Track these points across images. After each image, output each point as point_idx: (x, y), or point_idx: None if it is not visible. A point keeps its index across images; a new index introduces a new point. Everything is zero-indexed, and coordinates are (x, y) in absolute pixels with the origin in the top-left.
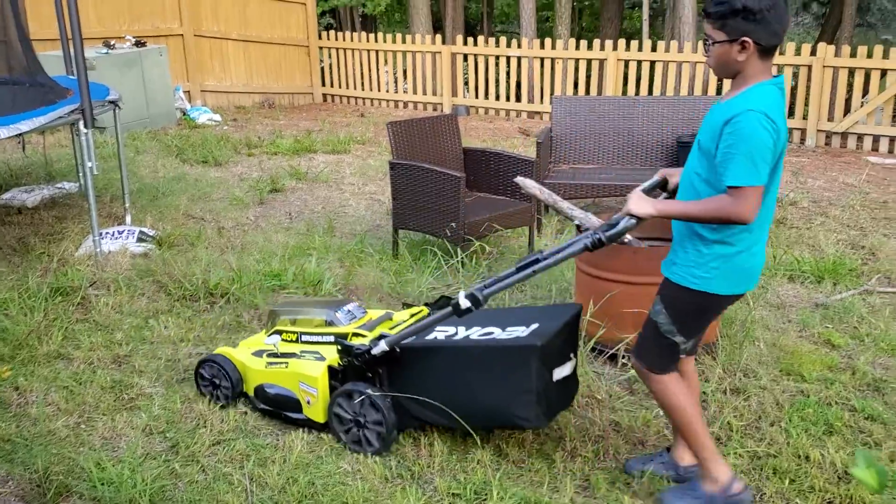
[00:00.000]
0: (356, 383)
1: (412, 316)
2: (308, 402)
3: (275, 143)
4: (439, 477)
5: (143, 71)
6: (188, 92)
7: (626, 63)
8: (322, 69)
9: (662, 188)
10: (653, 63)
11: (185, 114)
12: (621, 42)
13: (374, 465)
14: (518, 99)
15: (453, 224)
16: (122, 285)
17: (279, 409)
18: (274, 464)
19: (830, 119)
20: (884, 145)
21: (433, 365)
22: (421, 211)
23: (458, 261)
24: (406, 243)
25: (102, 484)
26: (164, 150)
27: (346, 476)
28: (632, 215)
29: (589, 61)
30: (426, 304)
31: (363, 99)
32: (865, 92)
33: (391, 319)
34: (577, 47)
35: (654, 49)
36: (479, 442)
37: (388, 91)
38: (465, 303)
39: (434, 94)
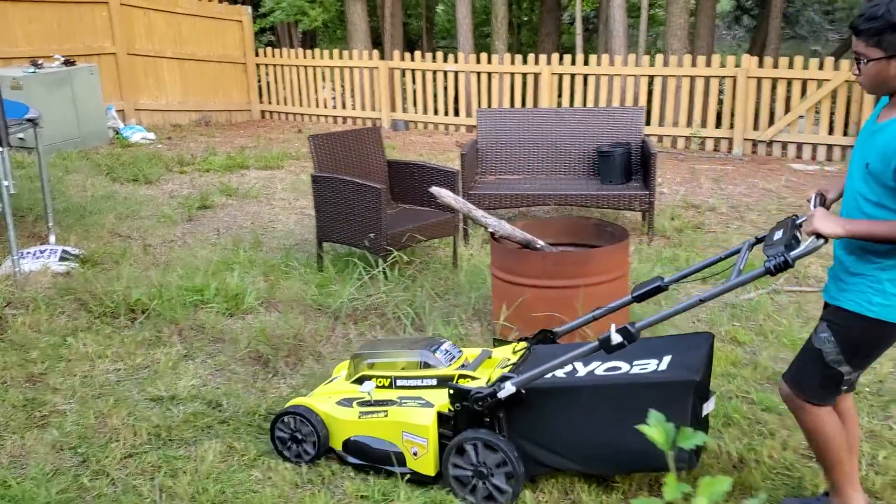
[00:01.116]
0: (473, 430)
1: (515, 353)
2: (415, 454)
3: (207, 161)
4: (349, 481)
5: (73, 90)
6: (122, 111)
7: (561, 77)
8: (260, 86)
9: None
10: (586, 77)
11: (118, 133)
12: (555, 56)
13: (284, 472)
14: (456, 113)
15: (372, 235)
16: (41, 304)
17: (378, 463)
18: (185, 474)
19: (756, 128)
20: (806, 153)
21: (566, 406)
22: (344, 223)
23: (379, 271)
24: (331, 256)
25: (7, 501)
26: (93, 169)
27: (257, 483)
28: (819, 235)
29: (524, 75)
30: (523, 339)
31: (302, 115)
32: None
33: (492, 358)
34: (513, 62)
35: (586, 63)
36: None
37: (328, 107)
38: (616, 338)
39: (373, 109)
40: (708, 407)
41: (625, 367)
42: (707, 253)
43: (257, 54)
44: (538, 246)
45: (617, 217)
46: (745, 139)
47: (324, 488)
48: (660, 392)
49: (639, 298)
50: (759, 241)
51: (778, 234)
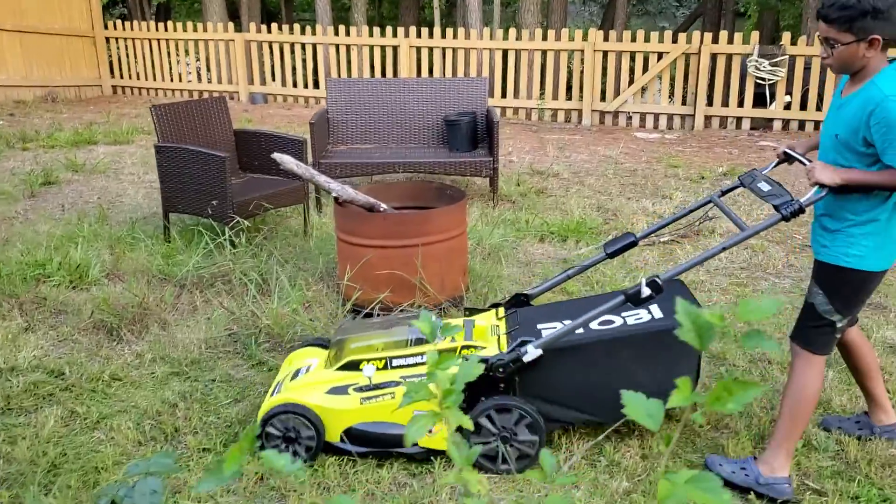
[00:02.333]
0: (505, 397)
1: (500, 318)
2: (430, 432)
3: (52, 137)
4: (191, 436)
5: None
6: None
7: (420, 50)
8: (111, 61)
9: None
10: (444, 50)
11: None
12: (413, 29)
13: (128, 431)
14: (316, 86)
15: (214, 202)
16: None
17: (387, 447)
18: (24, 440)
19: (603, 100)
20: (649, 122)
21: (583, 362)
22: (189, 193)
23: (225, 239)
24: (180, 228)
25: None
26: None
27: (100, 444)
28: (822, 185)
29: (383, 48)
30: (494, 305)
31: (156, 90)
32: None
33: (478, 326)
34: (371, 34)
35: (443, 36)
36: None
37: (183, 81)
38: (646, 291)
39: (230, 82)
40: None
41: (618, 320)
42: (548, 215)
43: (106, 27)
44: (381, 209)
45: (467, 183)
46: (594, 110)
47: (167, 444)
48: (675, 337)
49: (612, 254)
50: (724, 192)
51: (765, 186)
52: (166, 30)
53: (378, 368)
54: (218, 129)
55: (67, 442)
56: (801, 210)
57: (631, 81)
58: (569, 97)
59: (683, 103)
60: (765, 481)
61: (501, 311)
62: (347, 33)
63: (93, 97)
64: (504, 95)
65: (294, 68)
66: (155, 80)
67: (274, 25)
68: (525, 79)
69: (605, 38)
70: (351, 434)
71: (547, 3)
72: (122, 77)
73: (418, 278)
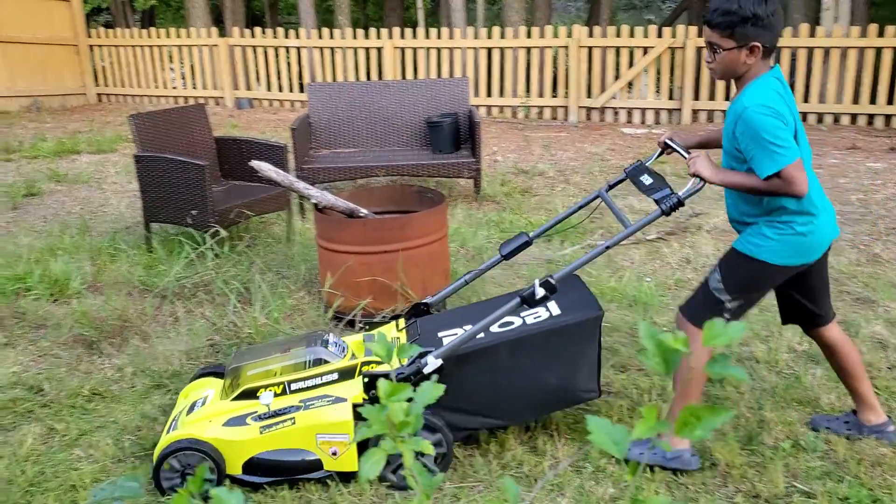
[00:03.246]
0: None
1: (400, 330)
2: (334, 454)
3: (35, 147)
4: None
5: None
6: None
7: (404, 51)
8: (95, 69)
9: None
10: (428, 50)
11: None
12: (396, 30)
13: (106, 447)
14: (302, 89)
15: (194, 212)
16: None
17: (291, 475)
18: (2, 459)
19: (590, 96)
20: (636, 117)
21: (486, 366)
22: (169, 202)
23: (206, 248)
24: (161, 238)
25: None
26: None
27: (79, 461)
28: (701, 178)
29: (367, 50)
30: (394, 317)
31: (142, 97)
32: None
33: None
34: (355, 36)
35: (427, 36)
36: None
37: (168, 88)
38: (540, 291)
39: (215, 87)
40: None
41: (517, 321)
42: (532, 215)
43: (90, 35)
44: (361, 214)
45: (452, 185)
46: (580, 107)
47: (147, 461)
48: (575, 332)
49: (508, 256)
50: (611, 186)
51: (647, 179)
52: (150, 36)
53: (276, 394)
54: (198, 137)
55: (46, 460)
56: (681, 203)
57: (617, 77)
58: (555, 94)
59: (670, 97)
60: (671, 455)
61: (402, 322)
62: (331, 36)
63: (77, 106)
64: (490, 94)
65: (279, 72)
66: (140, 86)
67: (258, 30)
68: (510, 77)
69: (590, 34)
70: (253, 464)
71: (531, 0)
72: (106, 85)
73: (399, 284)
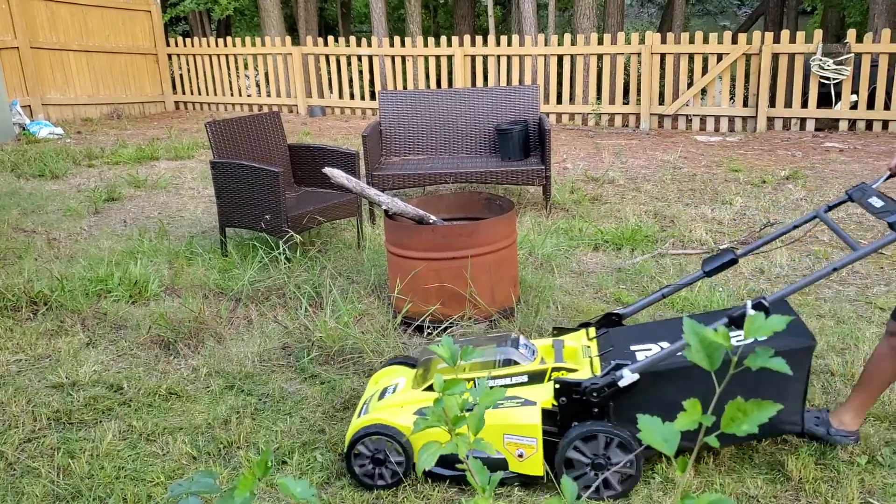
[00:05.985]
0: (594, 423)
1: (591, 339)
2: (520, 456)
3: (117, 153)
4: (243, 450)
5: None
6: (28, 106)
7: (474, 58)
8: (173, 77)
9: None
10: (498, 57)
11: (24, 129)
12: (467, 38)
13: (182, 445)
14: (373, 97)
15: (268, 216)
16: None
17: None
18: (83, 453)
19: (662, 103)
20: (710, 124)
21: (679, 385)
22: (244, 208)
23: (279, 253)
24: (236, 242)
25: None
26: None
27: (155, 458)
28: None
29: (438, 58)
30: (583, 325)
31: (217, 105)
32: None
33: (566, 347)
34: (426, 44)
35: (497, 44)
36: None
37: (243, 96)
38: (752, 313)
39: (289, 95)
40: None
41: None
42: (602, 223)
43: (168, 44)
44: (430, 221)
45: (521, 192)
46: (652, 114)
47: (220, 458)
48: (787, 360)
49: (710, 273)
50: (830, 208)
51: (877, 201)
52: (226, 45)
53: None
54: (272, 144)
55: (124, 455)
56: None
57: (690, 84)
58: (626, 101)
59: (745, 105)
60: (835, 432)
61: (592, 331)
62: (402, 44)
63: (156, 113)
64: (560, 101)
65: (351, 80)
66: (216, 94)
67: (330, 38)
68: (581, 84)
69: (663, 41)
70: (440, 456)
71: (603, 6)
72: (184, 93)
73: (468, 290)
